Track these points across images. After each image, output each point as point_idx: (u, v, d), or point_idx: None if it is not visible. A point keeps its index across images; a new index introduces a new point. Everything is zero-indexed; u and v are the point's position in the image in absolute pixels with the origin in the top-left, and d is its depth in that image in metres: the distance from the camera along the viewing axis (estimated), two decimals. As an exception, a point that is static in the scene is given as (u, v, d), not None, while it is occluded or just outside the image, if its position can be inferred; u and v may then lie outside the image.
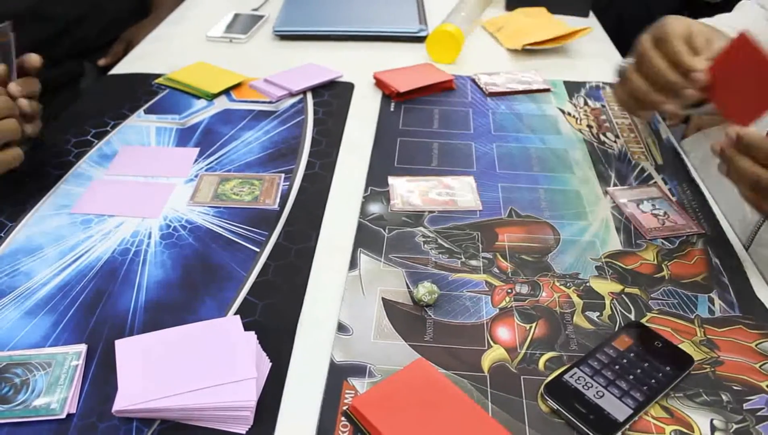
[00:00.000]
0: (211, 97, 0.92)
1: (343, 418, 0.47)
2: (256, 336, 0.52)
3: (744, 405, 0.49)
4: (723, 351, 0.54)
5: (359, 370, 0.51)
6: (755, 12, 0.85)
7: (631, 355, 0.52)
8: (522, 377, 0.51)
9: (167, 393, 0.47)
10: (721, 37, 0.68)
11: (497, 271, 0.62)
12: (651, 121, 0.89)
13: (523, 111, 0.91)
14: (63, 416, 0.47)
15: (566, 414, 0.47)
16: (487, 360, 0.53)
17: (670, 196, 0.73)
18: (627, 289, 0.60)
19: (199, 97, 0.92)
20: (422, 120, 0.88)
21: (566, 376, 0.50)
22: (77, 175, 0.75)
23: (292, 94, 0.93)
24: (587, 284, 0.61)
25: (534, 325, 0.56)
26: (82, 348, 0.52)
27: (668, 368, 0.51)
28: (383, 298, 0.58)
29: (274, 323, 0.56)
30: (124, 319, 0.56)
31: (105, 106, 0.89)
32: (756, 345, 0.55)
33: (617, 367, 0.51)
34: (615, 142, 0.84)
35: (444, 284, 0.60)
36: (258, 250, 0.64)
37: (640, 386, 0.49)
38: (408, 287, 0.60)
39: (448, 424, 0.46)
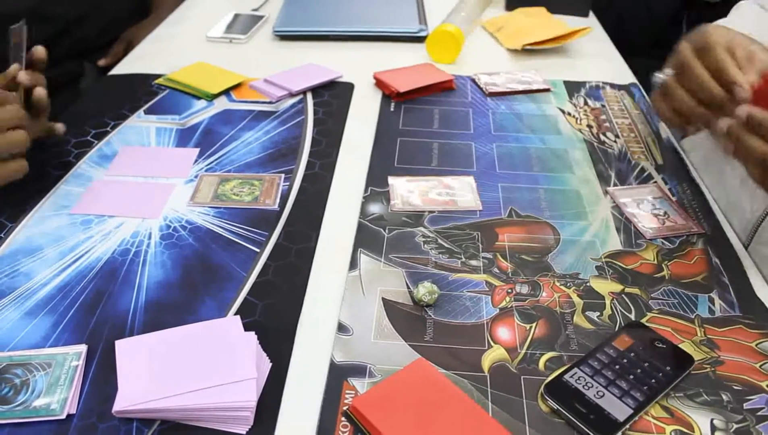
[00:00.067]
0: (211, 97, 0.92)
1: (343, 419, 0.47)
2: (256, 336, 0.52)
3: (744, 405, 0.49)
4: (723, 351, 0.54)
5: (359, 370, 0.51)
6: (755, 12, 0.85)
7: (632, 355, 0.52)
8: (522, 377, 0.51)
9: (167, 393, 0.47)
10: (762, 49, 0.65)
11: (497, 271, 0.62)
12: (651, 122, 0.89)
13: (523, 111, 0.91)
14: (63, 417, 0.47)
15: (566, 414, 0.47)
16: (487, 360, 0.52)
17: (670, 196, 0.73)
18: (627, 289, 0.60)
19: (199, 98, 0.93)
20: (422, 120, 0.88)
21: (566, 376, 0.50)
22: (77, 176, 0.75)
23: (292, 95, 0.93)
24: (587, 284, 0.61)
25: (534, 325, 0.56)
26: (82, 348, 0.52)
27: (668, 368, 0.51)
28: (383, 298, 0.58)
29: (274, 323, 0.56)
30: (124, 320, 0.56)
31: (105, 107, 0.89)
32: (756, 345, 0.55)
33: (617, 367, 0.51)
34: (615, 141, 0.84)
35: (444, 284, 0.60)
36: (258, 250, 0.64)
37: (641, 386, 0.49)
38: (408, 287, 0.60)
39: (449, 424, 0.46)
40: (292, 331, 0.55)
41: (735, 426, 0.48)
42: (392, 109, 0.91)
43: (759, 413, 0.49)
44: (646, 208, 0.71)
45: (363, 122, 0.88)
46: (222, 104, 0.91)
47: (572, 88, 0.98)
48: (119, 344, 0.52)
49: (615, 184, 0.75)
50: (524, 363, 0.52)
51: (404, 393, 0.48)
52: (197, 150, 0.80)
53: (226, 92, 0.94)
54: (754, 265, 0.64)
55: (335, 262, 0.63)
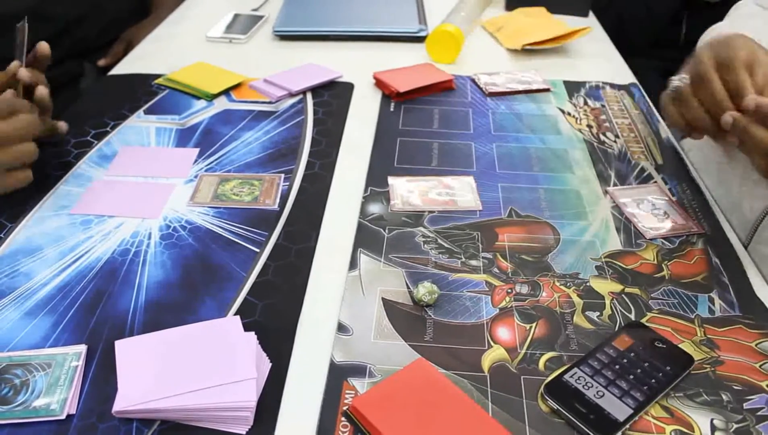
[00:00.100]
0: (211, 97, 0.92)
1: (343, 419, 0.47)
2: (256, 336, 0.52)
3: (744, 405, 0.49)
4: (723, 351, 0.54)
5: (359, 370, 0.51)
6: (754, 12, 0.85)
7: (632, 354, 0.52)
8: (522, 377, 0.51)
9: (167, 393, 0.47)
10: None
11: (497, 271, 0.62)
12: (651, 122, 0.89)
13: (523, 111, 0.91)
14: (63, 417, 0.47)
15: (566, 414, 0.47)
16: (487, 360, 0.52)
17: (670, 196, 0.73)
18: (627, 289, 0.60)
19: (198, 98, 0.92)
20: (422, 120, 0.88)
21: (566, 376, 0.50)
22: (77, 176, 0.75)
23: (291, 95, 0.93)
24: (587, 284, 0.61)
25: (534, 325, 0.56)
26: (82, 348, 0.52)
27: (668, 368, 0.51)
28: (383, 298, 0.58)
29: (274, 323, 0.56)
30: (124, 320, 0.56)
31: (105, 107, 0.89)
32: (756, 345, 0.55)
33: (617, 366, 0.51)
34: (615, 141, 0.84)
35: (444, 284, 0.60)
36: (258, 250, 0.64)
37: (641, 386, 0.49)
38: (408, 287, 0.60)
39: (449, 425, 0.46)
40: (292, 331, 0.55)
41: (735, 426, 0.48)
42: (392, 109, 0.91)
43: (759, 413, 0.49)
44: (646, 208, 0.71)
45: (363, 122, 0.88)
46: (222, 104, 0.91)
47: (572, 88, 0.98)
48: (119, 344, 0.52)
49: (615, 184, 0.75)
50: (524, 363, 0.52)
51: (404, 393, 0.48)
52: (197, 150, 0.80)
53: (226, 92, 0.94)
54: (754, 265, 0.64)
55: (335, 262, 0.63)
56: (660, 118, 0.91)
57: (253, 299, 0.58)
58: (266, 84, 0.95)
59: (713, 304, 0.59)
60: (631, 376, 0.50)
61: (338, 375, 0.51)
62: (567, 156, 0.81)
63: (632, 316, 0.57)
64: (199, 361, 0.50)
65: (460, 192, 0.73)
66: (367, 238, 0.66)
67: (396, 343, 0.54)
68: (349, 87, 0.97)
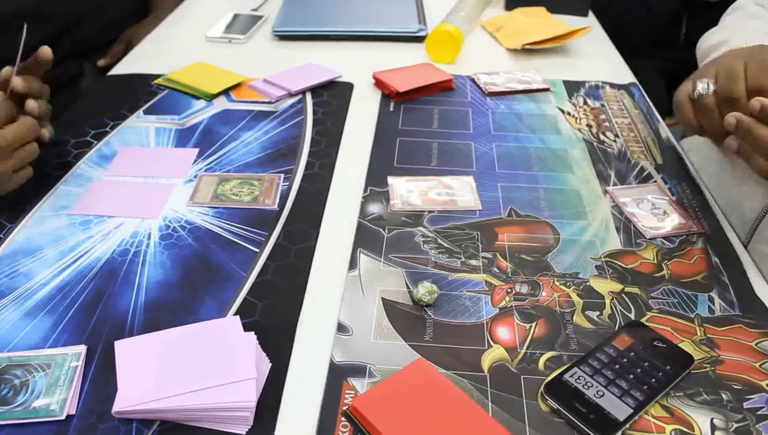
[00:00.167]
0: (211, 97, 0.92)
1: (343, 419, 0.47)
2: (255, 336, 0.52)
3: (744, 404, 0.49)
4: (723, 350, 0.54)
5: (359, 370, 0.51)
6: (754, 11, 0.85)
7: (631, 354, 0.52)
8: (522, 377, 0.51)
9: (167, 394, 0.47)
10: None
11: (497, 271, 0.62)
12: (650, 122, 0.89)
13: (523, 110, 0.91)
14: (62, 417, 0.47)
15: (566, 413, 0.47)
16: (487, 360, 0.52)
17: (670, 196, 0.73)
18: (627, 289, 0.60)
19: (198, 98, 0.92)
20: (422, 120, 0.88)
21: (566, 376, 0.50)
22: (77, 176, 0.75)
23: (291, 95, 0.93)
24: (587, 284, 0.61)
25: (534, 324, 0.56)
26: (82, 349, 0.52)
27: (668, 367, 0.51)
28: (383, 298, 0.58)
29: (274, 323, 0.56)
30: (123, 320, 0.56)
31: (104, 107, 0.89)
32: (756, 344, 0.55)
33: (617, 366, 0.51)
34: (614, 141, 0.84)
35: (444, 284, 0.60)
36: (257, 250, 0.64)
37: (641, 385, 0.49)
38: (408, 287, 0.60)
39: (449, 424, 0.46)
40: (292, 331, 0.55)
41: (735, 425, 0.48)
42: (391, 109, 0.91)
43: (759, 412, 0.49)
44: (646, 207, 0.71)
45: (362, 122, 0.88)
46: (221, 104, 0.91)
47: (572, 87, 0.98)
48: (119, 344, 0.52)
49: (614, 184, 0.75)
50: (524, 363, 0.52)
51: (404, 393, 0.48)
52: (196, 150, 0.80)
53: (226, 92, 0.94)
54: (754, 265, 0.64)
55: (335, 261, 0.63)
56: (660, 118, 0.91)
57: (252, 299, 0.58)
58: (266, 84, 0.95)
59: (713, 304, 0.59)
60: (631, 376, 0.50)
61: (338, 375, 0.51)
62: (567, 156, 0.81)
63: (632, 316, 0.57)
64: (199, 361, 0.50)
65: (459, 192, 0.73)
66: (366, 237, 0.66)
67: (396, 343, 0.54)
68: (348, 87, 0.97)
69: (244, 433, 0.46)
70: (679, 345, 0.54)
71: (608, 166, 0.79)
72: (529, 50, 1.09)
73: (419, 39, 1.11)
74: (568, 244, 0.65)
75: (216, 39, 1.13)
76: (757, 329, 0.56)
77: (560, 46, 1.10)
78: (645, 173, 0.78)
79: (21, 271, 0.61)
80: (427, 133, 0.85)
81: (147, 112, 0.89)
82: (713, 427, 0.47)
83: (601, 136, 0.85)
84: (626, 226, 0.68)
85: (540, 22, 1.16)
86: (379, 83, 0.96)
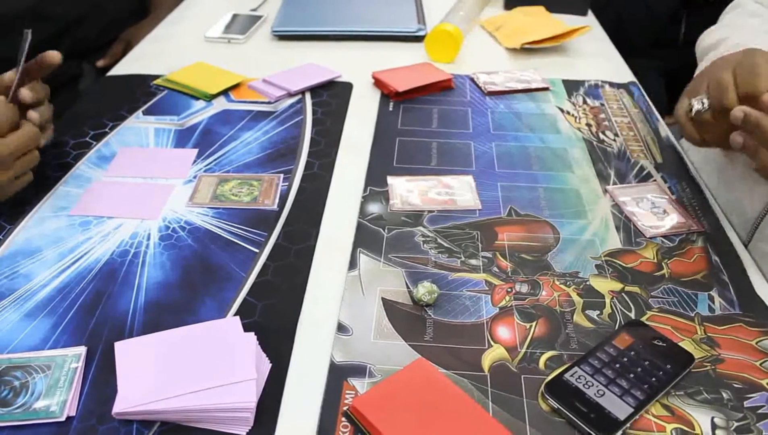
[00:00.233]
0: (210, 97, 0.92)
1: (343, 419, 0.47)
2: (255, 337, 0.52)
3: (745, 403, 0.49)
4: (723, 349, 0.54)
5: (359, 371, 0.51)
6: (755, 10, 0.85)
7: (632, 353, 0.52)
8: (522, 376, 0.51)
9: (167, 395, 0.47)
10: None
11: (497, 270, 0.62)
12: (650, 121, 0.89)
13: (522, 110, 0.91)
14: (63, 419, 0.47)
15: (567, 413, 0.47)
16: (487, 359, 0.52)
17: (670, 194, 0.73)
18: (627, 288, 0.60)
19: (197, 98, 0.92)
20: (421, 119, 0.88)
21: (567, 375, 0.50)
22: (76, 177, 0.75)
23: (290, 95, 0.93)
24: (587, 283, 0.60)
25: (534, 324, 0.56)
26: (82, 350, 0.52)
27: (669, 366, 0.51)
28: (383, 298, 0.58)
29: (274, 324, 0.56)
30: (123, 321, 0.56)
31: (103, 108, 0.89)
32: (756, 343, 0.55)
33: (618, 365, 0.51)
34: (614, 140, 0.84)
35: (444, 284, 0.60)
36: (257, 250, 0.64)
37: (641, 384, 0.49)
38: (408, 287, 0.60)
39: (449, 424, 0.46)
40: (292, 331, 0.55)
41: (735, 424, 0.48)
42: (391, 109, 0.91)
43: (759, 411, 0.49)
44: (646, 206, 0.71)
45: (362, 122, 0.87)
46: (220, 104, 0.91)
47: (571, 86, 0.98)
48: (119, 346, 0.52)
49: (614, 183, 0.75)
50: (524, 362, 0.52)
51: (404, 393, 0.48)
52: (196, 150, 0.80)
53: (225, 92, 0.94)
54: (754, 264, 0.64)
55: (335, 261, 0.63)
56: (659, 117, 0.91)
57: (252, 299, 0.58)
58: (265, 84, 0.95)
59: (713, 303, 0.59)
60: (632, 375, 0.50)
61: (338, 375, 0.51)
62: (566, 155, 0.81)
63: (632, 315, 0.57)
64: (199, 362, 0.50)
65: (459, 191, 0.73)
66: (366, 237, 0.66)
67: (396, 343, 0.54)
68: (348, 87, 0.97)
69: (244, 433, 0.46)
70: (680, 344, 0.54)
71: (608, 165, 0.79)
72: (528, 49, 1.09)
73: (418, 39, 1.11)
74: (568, 244, 0.65)
75: (215, 39, 1.13)
76: (758, 328, 0.56)
77: (559, 46, 1.10)
78: (645, 172, 0.78)
79: (21, 273, 0.61)
80: (426, 132, 0.85)
81: (146, 112, 0.89)
82: (714, 426, 0.47)
83: (601, 136, 0.85)
84: (626, 225, 0.68)
85: (539, 22, 1.16)
86: (378, 83, 0.96)
